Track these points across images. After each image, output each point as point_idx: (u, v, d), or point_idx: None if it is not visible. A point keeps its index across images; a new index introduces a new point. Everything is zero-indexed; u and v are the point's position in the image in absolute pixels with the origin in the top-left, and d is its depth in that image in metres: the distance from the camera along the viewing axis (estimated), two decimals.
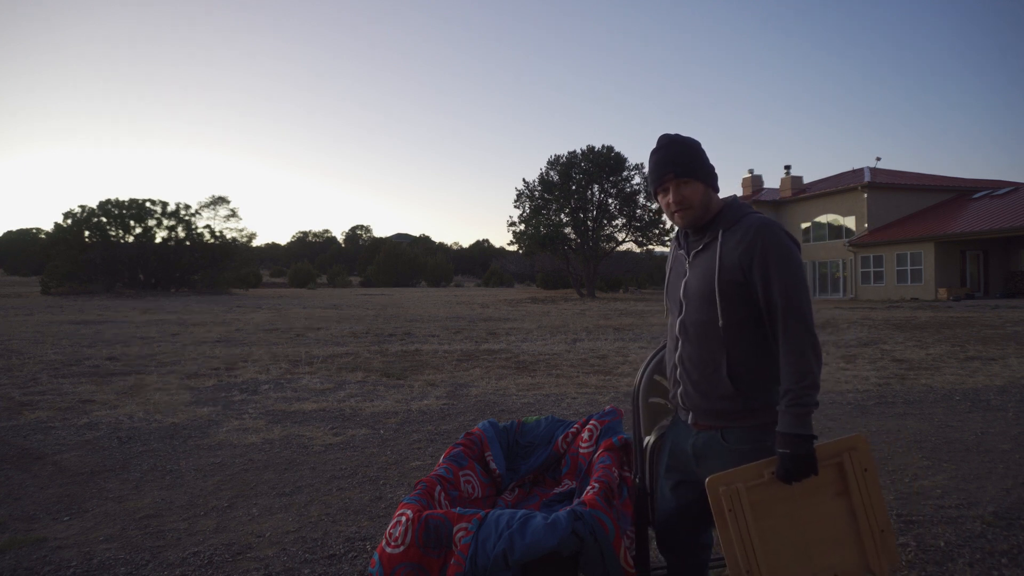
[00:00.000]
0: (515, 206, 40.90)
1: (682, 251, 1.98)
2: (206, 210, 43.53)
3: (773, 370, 1.78)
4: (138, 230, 41.13)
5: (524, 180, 44.10)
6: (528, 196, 40.33)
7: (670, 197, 1.88)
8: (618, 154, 38.81)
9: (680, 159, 1.86)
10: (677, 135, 1.93)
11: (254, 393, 7.17)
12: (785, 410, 1.71)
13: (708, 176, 1.88)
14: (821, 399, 6.46)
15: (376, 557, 1.85)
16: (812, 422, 1.70)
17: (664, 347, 2.17)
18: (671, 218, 1.93)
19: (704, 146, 1.96)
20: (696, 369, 1.88)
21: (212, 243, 42.86)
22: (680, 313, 1.93)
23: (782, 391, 1.73)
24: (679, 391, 1.95)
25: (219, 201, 43.82)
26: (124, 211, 40.86)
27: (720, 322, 1.81)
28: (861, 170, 33.92)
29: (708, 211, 1.89)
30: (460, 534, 1.82)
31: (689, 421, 1.93)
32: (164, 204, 42.01)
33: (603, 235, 40.19)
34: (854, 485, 1.75)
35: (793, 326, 1.72)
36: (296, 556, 3.01)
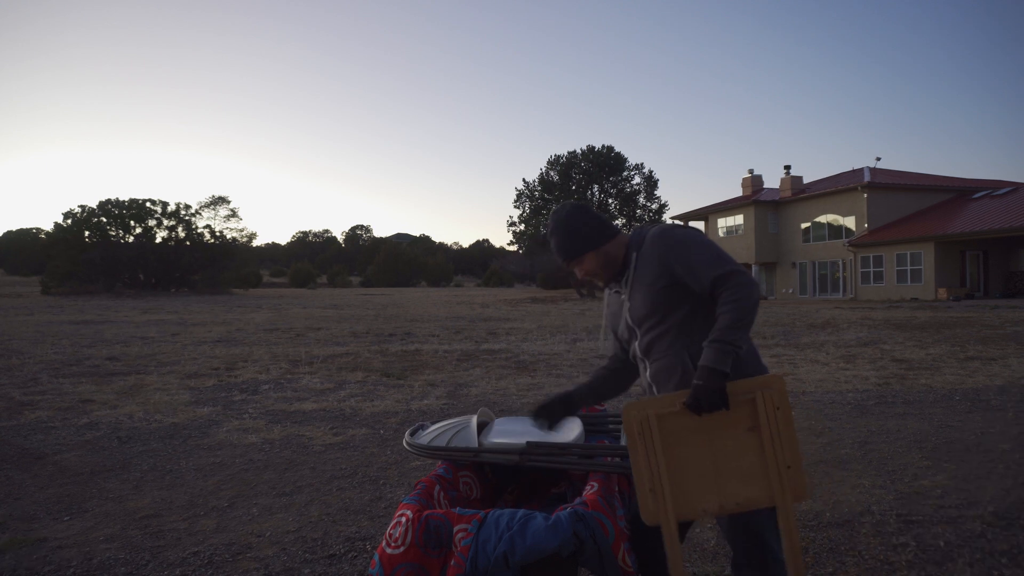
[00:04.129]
0: (515, 206, 40.99)
1: (615, 292, 2.16)
2: (206, 210, 43.61)
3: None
4: (138, 230, 41.21)
5: (524, 180, 44.22)
6: (528, 196, 40.39)
7: (578, 273, 2.12)
8: (618, 154, 38.86)
9: (562, 247, 2.09)
10: (556, 217, 2.11)
11: (254, 393, 7.17)
12: (708, 344, 1.82)
13: (593, 242, 2.06)
14: (820, 398, 6.47)
15: (376, 557, 1.85)
16: (730, 362, 1.80)
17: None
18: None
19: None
20: (669, 379, 2.00)
21: (212, 243, 42.92)
22: (636, 339, 2.08)
23: (713, 330, 1.84)
24: None
25: (219, 201, 43.87)
26: (124, 211, 40.92)
27: (666, 324, 1.98)
28: (861, 170, 33.91)
29: (616, 260, 2.09)
30: (460, 535, 1.81)
31: None
32: (164, 204, 42.06)
33: None
34: (764, 421, 1.84)
35: (728, 285, 1.86)
36: (296, 556, 3.02)
